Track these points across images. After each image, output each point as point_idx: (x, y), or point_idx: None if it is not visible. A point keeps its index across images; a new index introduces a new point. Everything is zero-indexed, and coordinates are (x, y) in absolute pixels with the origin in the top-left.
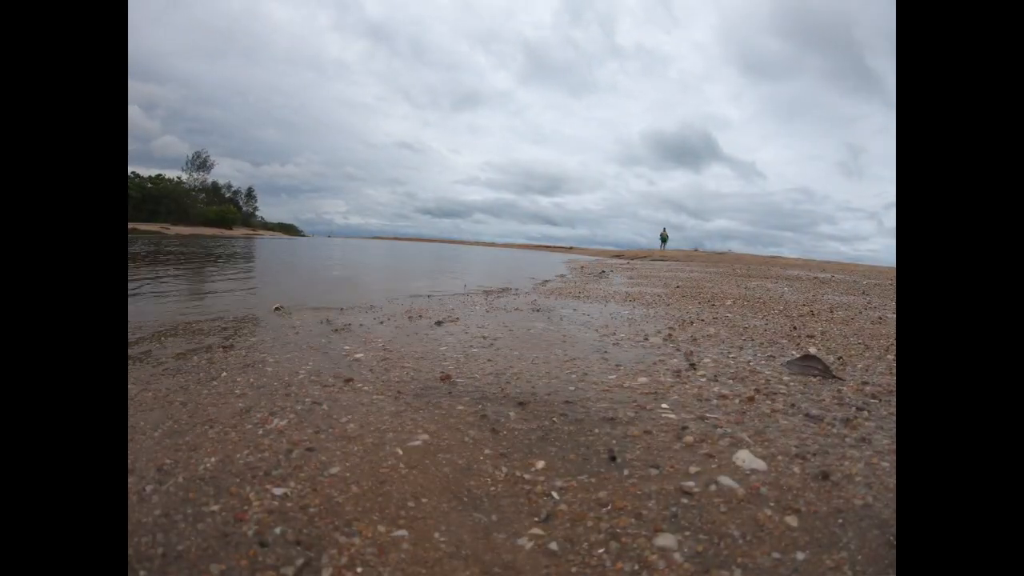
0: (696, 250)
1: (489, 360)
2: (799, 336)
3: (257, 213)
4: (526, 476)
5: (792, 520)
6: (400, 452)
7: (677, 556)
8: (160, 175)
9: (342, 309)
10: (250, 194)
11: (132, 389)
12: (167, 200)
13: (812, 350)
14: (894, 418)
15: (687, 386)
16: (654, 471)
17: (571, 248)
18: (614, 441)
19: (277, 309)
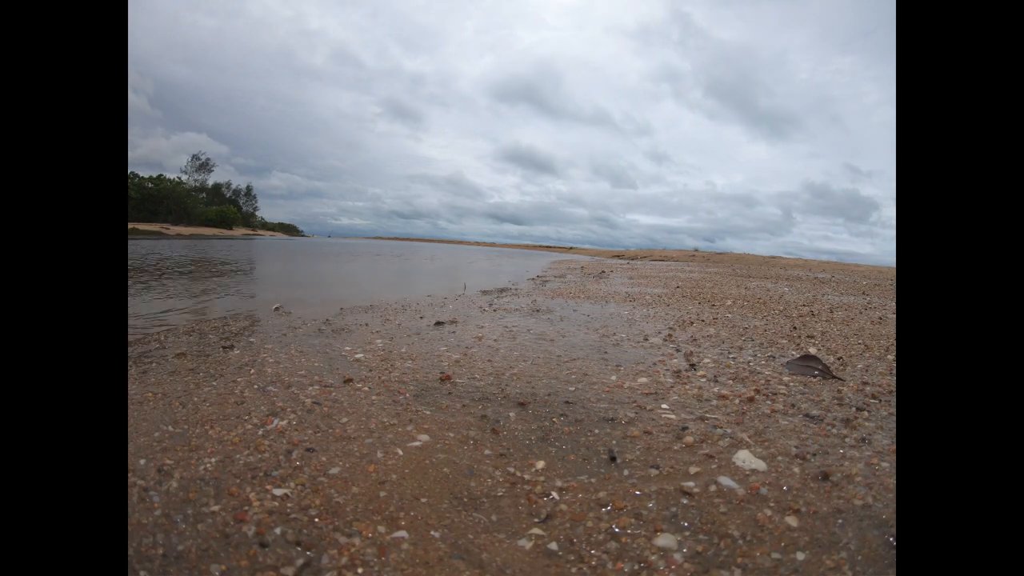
0: (696, 251)
1: (489, 360)
2: (799, 336)
3: (257, 213)
4: (526, 476)
5: (792, 520)
6: (400, 452)
7: (677, 556)
8: (161, 175)
9: (342, 309)
10: (249, 193)
11: (132, 389)
12: (167, 200)
13: (812, 350)
14: (894, 418)
15: (687, 386)
16: (654, 471)
17: (571, 248)
18: (614, 441)
19: (276, 309)
